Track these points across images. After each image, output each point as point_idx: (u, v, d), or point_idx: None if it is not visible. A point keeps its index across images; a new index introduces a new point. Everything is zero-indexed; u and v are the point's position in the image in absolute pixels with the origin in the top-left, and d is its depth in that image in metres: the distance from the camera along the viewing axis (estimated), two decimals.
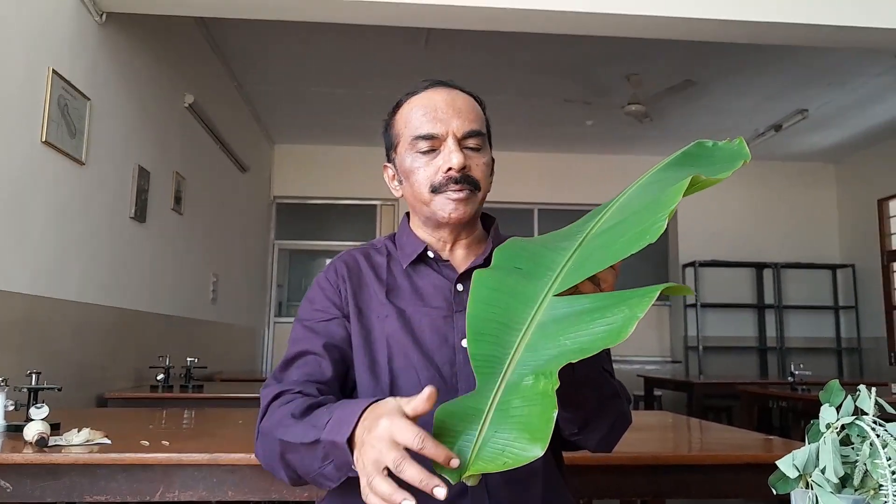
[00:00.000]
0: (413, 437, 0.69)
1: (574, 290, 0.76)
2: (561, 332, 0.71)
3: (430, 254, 1.10)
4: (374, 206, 7.40)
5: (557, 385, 0.66)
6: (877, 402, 0.71)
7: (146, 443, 1.56)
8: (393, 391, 1.02)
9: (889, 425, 0.69)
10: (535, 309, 0.75)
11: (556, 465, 1.07)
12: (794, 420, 5.61)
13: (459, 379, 1.01)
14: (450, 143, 1.04)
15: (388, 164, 1.15)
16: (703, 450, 1.83)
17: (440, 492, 0.66)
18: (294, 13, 3.32)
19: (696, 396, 5.20)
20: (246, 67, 5.25)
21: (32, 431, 1.51)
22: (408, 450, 0.70)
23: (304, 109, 6.14)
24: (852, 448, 0.70)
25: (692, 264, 7.21)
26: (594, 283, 0.79)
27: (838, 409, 0.72)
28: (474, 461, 0.68)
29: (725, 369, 7.22)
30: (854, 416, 0.71)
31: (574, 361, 0.68)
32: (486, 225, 1.16)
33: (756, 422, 4.78)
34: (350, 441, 0.79)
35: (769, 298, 7.36)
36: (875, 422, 0.69)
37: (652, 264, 7.36)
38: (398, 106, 1.11)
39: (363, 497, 0.71)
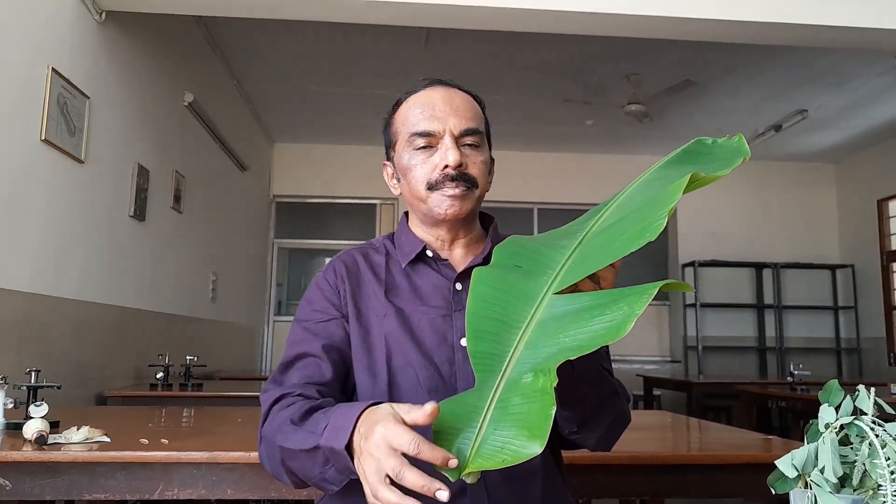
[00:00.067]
0: (408, 441, 0.69)
1: (574, 288, 0.76)
2: (560, 329, 0.71)
3: (429, 253, 1.10)
4: (374, 205, 7.40)
5: (556, 382, 0.66)
6: (876, 402, 0.71)
7: (145, 441, 1.56)
8: (391, 390, 1.02)
9: (888, 425, 0.69)
10: (535, 307, 0.75)
11: (556, 464, 1.07)
12: (794, 420, 5.62)
13: (458, 378, 1.01)
14: (447, 141, 1.04)
15: (388, 163, 1.15)
16: (703, 449, 1.83)
17: (443, 495, 0.66)
18: (294, 12, 3.32)
19: (695, 396, 5.21)
20: (245, 66, 5.24)
21: (32, 429, 1.51)
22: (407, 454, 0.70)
23: (303, 108, 6.13)
24: (851, 448, 0.70)
25: (692, 264, 7.21)
26: (594, 281, 0.79)
27: (837, 409, 0.72)
28: (473, 459, 0.68)
29: (725, 369, 7.22)
30: (853, 416, 0.71)
31: (573, 358, 0.68)
32: (485, 224, 1.16)
33: (755, 422, 4.78)
34: (349, 447, 0.79)
35: (769, 298, 7.37)
36: (874, 422, 0.69)
37: (651, 264, 7.36)
38: (397, 104, 1.11)
39: None
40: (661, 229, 0.70)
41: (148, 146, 3.74)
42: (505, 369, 0.72)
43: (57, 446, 1.49)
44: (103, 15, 3.13)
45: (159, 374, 3.19)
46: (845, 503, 0.66)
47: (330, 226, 7.40)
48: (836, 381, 0.75)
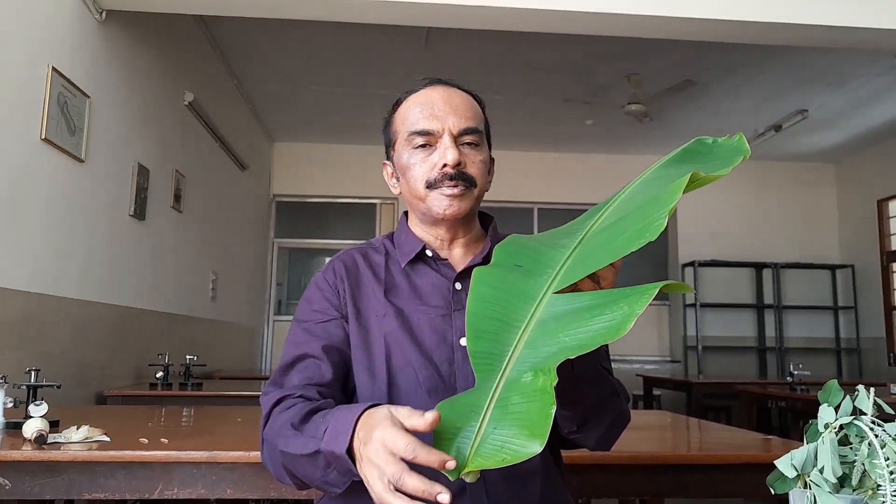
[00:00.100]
0: (405, 446, 0.69)
1: (574, 288, 0.76)
2: (560, 328, 0.71)
3: (429, 252, 1.10)
4: (374, 204, 7.40)
5: (556, 381, 0.66)
6: (875, 403, 0.71)
7: (145, 440, 1.56)
8: (391, 390, 1.02)
9: (887, 425, 0.69)
10: (535, 306, 0.75)
11: (555, 464, 1.07)
12: (793, 420, 5.62)
13: (458, 378, 1.01)
14: (445, 140, 1.04)
15: (387, 162, 1.15)
16: (702, 449, 1.83)
17: (444, 498, 0.66)
18: (294, 11, 3.32)
19: (695, 396, 5.21)
20: (246, 66, 5.24)
21: (31, 429, 1.51)
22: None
23: (303, 108, 6.13)
24: (850, 448, 0.70)
25: (692, 264, 7.21)
26: (594, 280, 0.79)
27: (837, 409, 0.72)
28: (473, 458, 0.68)
29: (725, 369, 7.22)
30: (852, 417, 0.71)
31: (573, 358, 0.68)
32: (485, 224, 1.16)
33: (755, 422, 4.78)
34: (350, 450, 0.80)
35: (769, 298, 7.37)
36: (873, 422, 0.69)
37: (651, 264, 7.36)
38: (397, 104, 1.11)
39: None
40: (662, 229, 0.70)
41: (148, 145, 3.74)
42: (504, 368, 0.72)
43: (56, 446, 1.49)
44: (104, 14, 3.13)
45: (159, 374, 3.19)
46: (845, 503, 0.66)
47: (330, 225, 7.40)
48: (836, 381, 0.75)
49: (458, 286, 1.07)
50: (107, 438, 1.56)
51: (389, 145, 1.13)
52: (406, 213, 1.16)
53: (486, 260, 1.05)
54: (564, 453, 1.12)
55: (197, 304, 4.67)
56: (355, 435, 0.79)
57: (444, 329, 1.04)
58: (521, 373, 0.70)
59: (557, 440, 1.06)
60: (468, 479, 0.69)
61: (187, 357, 3.37)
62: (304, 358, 1.03)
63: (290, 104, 6.05)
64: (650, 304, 0.67)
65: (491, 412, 0.69)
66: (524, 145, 7.13)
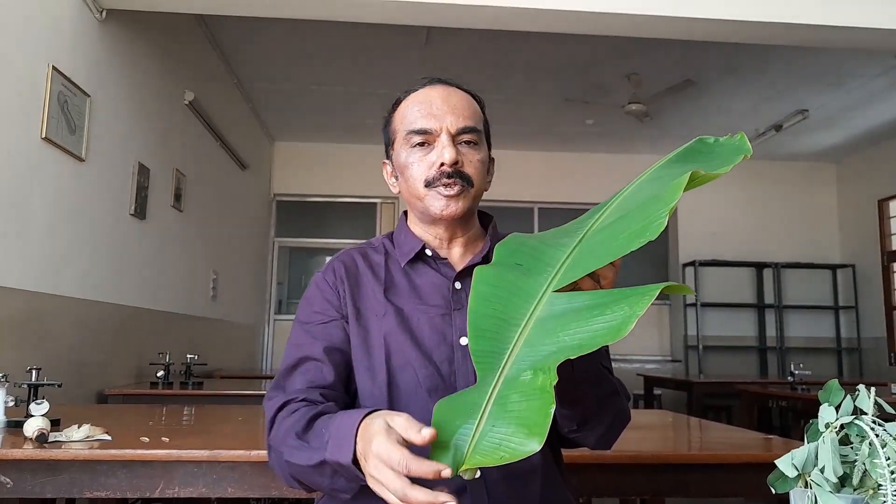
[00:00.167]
0: (398, 461, 0.70)
1: (574, 287, 0.76)
2: (560, 328, 0.71)
3: (428, 252, 1.10)
4: (374, 203, 7.40)
5: (556, 381, 0.66)
6: (876, 402, 0.71)
7: (146, 439, 1.56)
8: (391, 390, 1.02)
9: (888, 425, 0.69)
10: (535, 305, 0.75)
11: (556, 463, 1.07)
12: (794, 419, 5.62)
13: (458, 377, 1.01)
14: (443, 139, 1.04)
15: (387, 161, 1.15)
16: (703, 449, 1.83)
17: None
18: (294, 11, 3.32)
19: (695, 396, 5.21)
20: (246, 65, 5.24)
21: (32, 427, 1.51)
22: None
23: (304, 107, 6.13)
24: (851, 448, 0.70)
25: (692, 264, 7.21)
26: (594, 279, 0.79)
27: (837, 408, 0.72)
28: (471, 455, 0.68)
29: (725, 369, 7.22)
30: (853, 416, 0.71)
31: (573, 357, 0.68)
32: (485, 223, 1.16)
33: (756, 421, 4.78)
34: (355, 459, 0.81)
35: (769, 298, 7.37)
36: (874, 421, 0.69)
37: (652, 264, 7.36)
38: (397, 103, 1.11)
39: None
40: (662, 228, 0.70)
41: (148, 144, 3.74)
42: (504, 367, 0.72)
43: (58, 444, 1.49)
44: (104, 13, 3.13)
45: (160, 373, 3.20)
46: (845, 503, 0.66)
47: (330, 224, 7.40)
48: (837, 380, 0.75)
49: (457, 285, 1.07)
50: (108, 437, 1.57)
51: (389, 144, 1.13)
52: (405, 212, 1.16)
53: (485, 259, 1.05)
54: (565, 452, 1.12)
55: (197, 304, 4.67)
56: (357, 445, 0.80)
57: (444, 328, 1.04)
58: (521, 371, 0.70)
59: (557, 439, 1.06)
60: (466, 476, 0.69)
61: (188, 356, 3.37)
62: (306, 360, 1.04)
63: (290, 103, 6.05)
64: (651, 304, 0.67)
65: (490, 410, 0.69)
66: (524, 145, 7.13)
